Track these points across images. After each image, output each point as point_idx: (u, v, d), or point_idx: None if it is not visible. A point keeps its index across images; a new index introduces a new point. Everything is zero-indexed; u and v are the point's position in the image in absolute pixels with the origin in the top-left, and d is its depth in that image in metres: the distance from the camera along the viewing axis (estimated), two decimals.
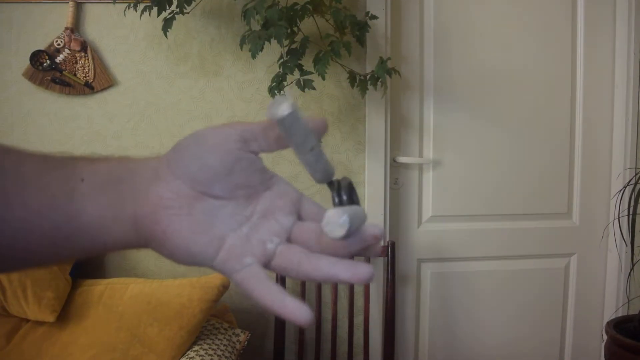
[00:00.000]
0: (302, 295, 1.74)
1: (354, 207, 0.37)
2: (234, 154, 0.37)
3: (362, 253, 0.38)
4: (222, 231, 0.37)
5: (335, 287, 1.74)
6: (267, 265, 0.38)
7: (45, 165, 0.37)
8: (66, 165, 0.38)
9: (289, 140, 0.37)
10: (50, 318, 1.49)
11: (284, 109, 0.35)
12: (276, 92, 1.52)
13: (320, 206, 0.41)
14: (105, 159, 0.39)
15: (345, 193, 0.40)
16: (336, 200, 0.40)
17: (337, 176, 0.41)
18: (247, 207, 0.39)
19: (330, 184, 0.41)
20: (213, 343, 1.49)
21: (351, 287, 1.74)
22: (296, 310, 0.35)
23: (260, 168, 0.39)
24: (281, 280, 1.72)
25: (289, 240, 0.39)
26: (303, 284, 1.74)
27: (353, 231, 0.36)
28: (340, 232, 0.35)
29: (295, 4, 1.50)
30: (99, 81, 1.72)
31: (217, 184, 0.37)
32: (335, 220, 0.36)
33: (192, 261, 0.37)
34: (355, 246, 0.37)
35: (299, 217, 0.40)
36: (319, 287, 1.75)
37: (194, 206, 0.37)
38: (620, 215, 1.68)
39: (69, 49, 1.70)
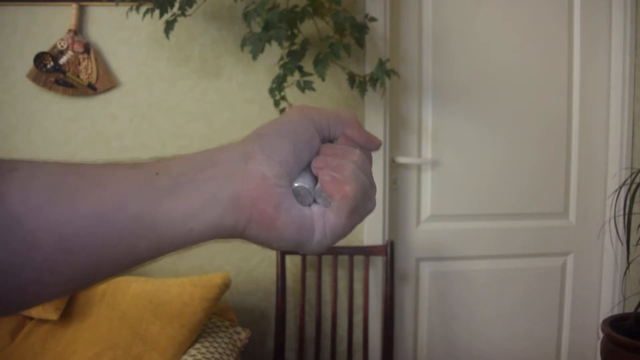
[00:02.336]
0: (302, 293, 1.76)
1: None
2: (315, 148, 0.39)
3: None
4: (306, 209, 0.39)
5: (335, 286, 1.76)
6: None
7: (116, 165, 0.36)
8: (136, 165, 0.36)
9: None
10: (54, 316, 1.51)
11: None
12: (277, 92, 1.54)
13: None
14: (174, 157, 0.38)
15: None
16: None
17: None
18: None
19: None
20: (214, 341, 1.51)
21: (350, 286, 1.76)
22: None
23: None
24: (281, 280, 1.74)
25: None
26: (303, 282, 1.76)
27: None
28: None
29: (296, 6, 1.52)
30: (101, 82, 1.74)
31: (300, 172, 0.39)
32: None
33: (295, 243, 0.37)
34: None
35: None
36: (318, 286, 1.76)
37: (289, 188, 0.38)
38: (616, 215, 1.69)
39: (72, 51, 1.72)
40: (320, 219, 0.38)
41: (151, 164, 0.36)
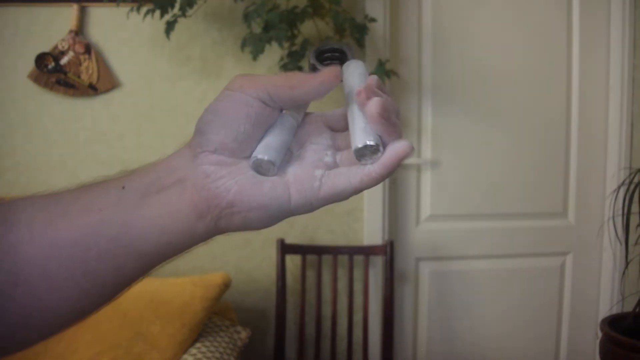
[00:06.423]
0: (302, 293, 1.77)
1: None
2: (262, 113, 0.36)
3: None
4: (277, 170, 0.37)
5: (334, 286, 1.77)
6: None
7: (81, 189, 0.36)
8: (101, 183, 0.37)
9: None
10: None
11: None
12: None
13: (340, 110, 0.43)
14: (136, 169, 0.38)
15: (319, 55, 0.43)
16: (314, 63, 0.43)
17: None
18: None
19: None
20: (215, 340, 1.52)
21: (350, 286, 1.77)
22: (396, 156, 0.38)
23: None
24: (281, 280, 1.74)
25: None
26: (303, 281, 1.76)
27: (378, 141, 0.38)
28: (375, 158, 0.38)
29: (296, 7, 1.53)
30: (102, 83, 1.75)
31: (255, 142, 0.37)
32: (363, 151, 0.37)
33: (269, 214, 0.36)
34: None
35: (333, 130, 0.41)
36: (318, 285, 1.77)
37: (241, 166, 0.36)
38: (615, 215, 1.70)
39: (74, 51, 1.73)
40: (295, 181, 0.37)
41: (117, 179, 0.37)
